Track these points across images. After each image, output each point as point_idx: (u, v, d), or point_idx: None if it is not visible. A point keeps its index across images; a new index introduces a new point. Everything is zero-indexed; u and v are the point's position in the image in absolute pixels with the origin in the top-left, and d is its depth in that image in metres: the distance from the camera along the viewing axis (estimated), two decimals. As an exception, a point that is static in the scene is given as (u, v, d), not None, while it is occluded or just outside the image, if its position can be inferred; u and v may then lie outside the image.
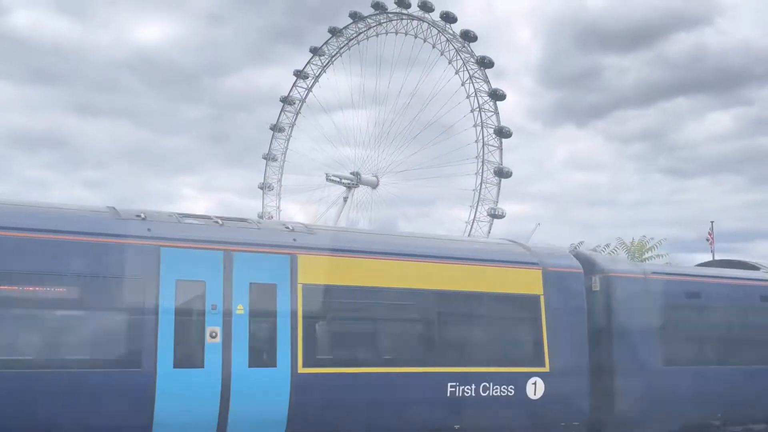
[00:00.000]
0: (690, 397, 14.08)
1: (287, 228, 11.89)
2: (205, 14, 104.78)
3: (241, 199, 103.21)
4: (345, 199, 60.04)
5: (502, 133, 51.20)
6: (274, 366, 10.60)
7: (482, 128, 51.42)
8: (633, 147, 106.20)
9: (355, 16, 62.61)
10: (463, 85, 53.33)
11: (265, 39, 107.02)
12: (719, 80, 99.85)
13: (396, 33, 59.47)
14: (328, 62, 65.98)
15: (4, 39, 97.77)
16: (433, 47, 55.95)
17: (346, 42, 63.98)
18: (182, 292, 10.26)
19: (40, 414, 9.42)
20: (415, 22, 57.87)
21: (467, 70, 53.14)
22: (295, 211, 64.14)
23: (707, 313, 14.95)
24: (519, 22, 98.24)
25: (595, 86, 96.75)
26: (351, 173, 60.14)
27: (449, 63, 54.62)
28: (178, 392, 9.93)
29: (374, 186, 60.26)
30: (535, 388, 12.39)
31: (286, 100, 68.40)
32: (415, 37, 57.65)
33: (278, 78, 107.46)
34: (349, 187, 60.06)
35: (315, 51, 66.17)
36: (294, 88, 67.97)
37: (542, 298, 12.75)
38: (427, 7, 56.82)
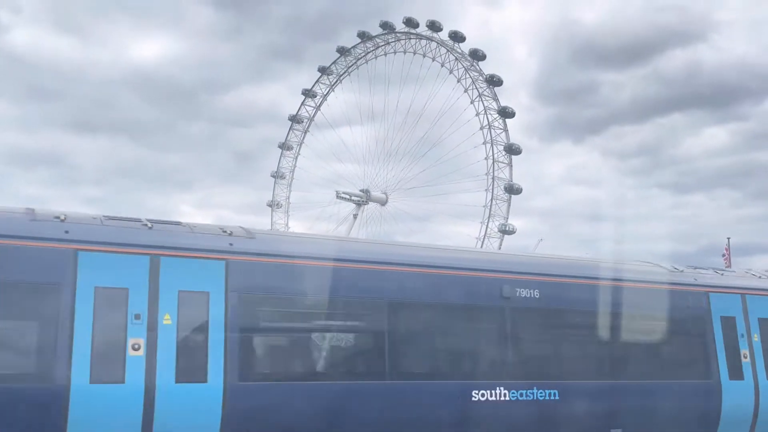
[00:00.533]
0: None
1: (224, 231, 10.99)
2: (203, 32, 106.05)
3: (238, 216, 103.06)
4: (355, 216, 60.61)
5: (512, 150, 51.90)
6: (205, 381, 9.75)
7: (492, 145, 52.12)
8: (630, 162, 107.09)
9: (363, 36, 63.51)
10: (472, 103, 54.14)
11: (264, 57, 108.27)
12: (715, 96, 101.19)
13: (404, 52, 60.35)
14: (336, 81, 66.80)
15: (3, 57, 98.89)
16: (442, 66, 56.81)
17: (354, 61, 64.84)
18: (102, 300, 9.42)
19: None
20: (423, 42, 58.79)
21: (476, 88, 53.92)
22: (304, 228, 64.61)
23: None
24: (515, 38, 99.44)
25: (591, 102, 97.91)
26: (361, 190, 60.76)
27: (458, 81, 55.45)
28: (94, 410, 9.03)
29: (383, 203, 60.85)
30: None
31: (294, 119, 69.12)
32: (424, 56, 58.54)
33: (276, 95, 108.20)
34: (358, 204, 60.64)
35: (323, 70, 67.03)
36: (302, 106, 68.72)
37: None
38: (435, 27, 57.73)
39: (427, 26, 58.09)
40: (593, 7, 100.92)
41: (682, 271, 15.16)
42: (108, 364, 9.21)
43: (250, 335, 10.29)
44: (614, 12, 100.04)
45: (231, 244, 10.63)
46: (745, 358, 14.49)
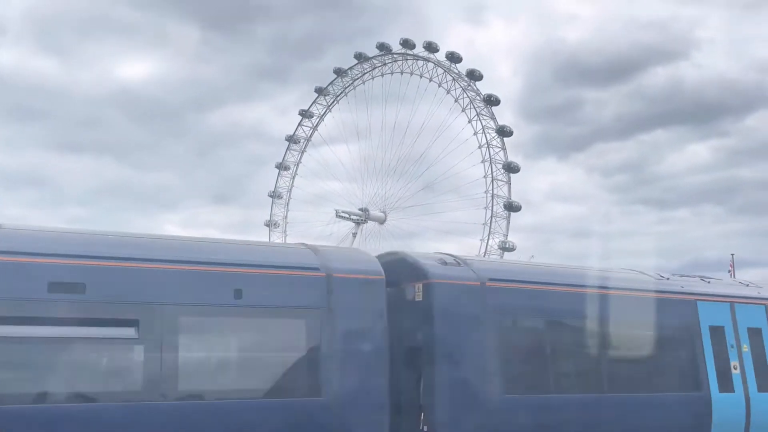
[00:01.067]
0: None
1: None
2: (189, 51, 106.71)
3: (224, 235, 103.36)
4: (354, 235, 61.11)
5: (511, 168, 52.78)
6: None
7: (491, 164, 52.96)
8: (614, 179, 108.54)
9: (360, 57, 64.40)
10: (470, 122, 55.04)
11: (250, 76, 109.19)
12: (696, 113, 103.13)
13: (401, 73, 61.27)
14: (333, 102, 67.57)
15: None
16: (439, 86, 57.75)
17: (351, 82, 65.68)
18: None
19: None
20: (420, 63, 59.75)
21: (474, 107, 54.84)
22: (303, 248, 64.89)
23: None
24: (500, 57, 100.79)
25: (575, 119, 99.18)
26: (360, 209, 61.36)
27: (455, 101, 56.40)
28: None
29: (382, 222, 61.47)
30: None
31: (291, 139, 69.76)
32: (421, 77, 59.49)
33: (263, 115, 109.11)
34: (357, 223, 61.21)
35: (320, 91, 67.82)
36: (299, 127, 69.42)
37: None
38: (432, 48, 58.70)
39: (423, 47, 59.12)
40: (576, 25, 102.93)
41: (668, 278, 14.60)
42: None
43: None
44: (597, 30, 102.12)
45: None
46: (735, 369, 13.98)
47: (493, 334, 11.33)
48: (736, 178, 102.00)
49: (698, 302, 14.01)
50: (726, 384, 13.82)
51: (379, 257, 11.71)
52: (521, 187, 53.77)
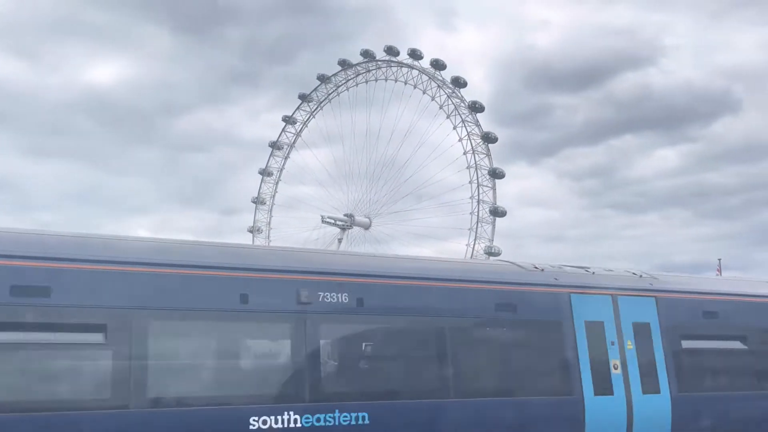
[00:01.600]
0: None
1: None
2: (159, 55, 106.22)
3: (197, 240, 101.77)
4: (339, 240, 61.61)
5: (496, 174, 53.68)
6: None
7: (476, 169, 53.79)
8: (584, 183, 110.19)
9: (344, 64, 64.90)
10: (455, 128, 55.92)
11: (221, 80, 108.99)
12: (665, 118, 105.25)
13: (386, 80, 61.92)
14: (317, 108, 67.96)
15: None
16: (424, 93, 58.51)
17: (335, 88, 66.15)
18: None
19: None
20: (404, 69, 60.47)
21: (459, 114, 55.67)
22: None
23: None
24: (471, 62, 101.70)
25: (545, 124, 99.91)
26: (345, 215, 61.86)
27: (440, 108, 57.24)
28: None
29: (367, 227, 62.03)
30: None
31: (274, 145, 70.01)
32: (405, 84, 60.21)
33: (234, 119, 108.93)
34: (343, 229, 61.68)
35: (303, 97, 68.21)
36: (283, 133, 69.70)
37: None
38: (416, 55, 59.42)
39: (408, 54, 59.79)
40: (547, 31, 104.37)
41: (542, 270, 13.22)
42: None
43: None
44: (567, 36, 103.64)
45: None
46: (616, 369, 12.50)
47: None
48: (704, 183, 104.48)
49: (572, 295, 12.60)
50: (603, 386, 12.38)
51: None
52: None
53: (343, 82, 65.49)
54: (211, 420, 9.06)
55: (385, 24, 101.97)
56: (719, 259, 53.02)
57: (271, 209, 70.31)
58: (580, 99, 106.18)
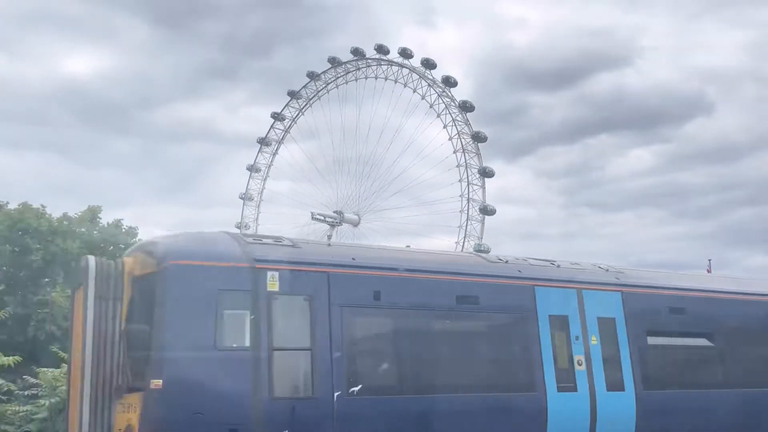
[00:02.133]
0: None
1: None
2: (137, 47, 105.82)
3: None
4: (329, 237, 61.89)
5: (486, 173, 54.42)
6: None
7: (466, 168, 54.45)
8: (560, 182, 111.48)
9: (334, 62, 65.19)
10: (445, 127, 56.55)
11: (198, 74, 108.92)
12: (640, 118, 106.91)
13: (375, 78, 62.32)
14: (306, 105, 68.23)
15: None
16: (414, 92, 59.04)
17: (324, 86, 66.46)
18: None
19: None
20: (395, 68, 60.90)
21: (450, 113, 56.29)
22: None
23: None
24: (450, 59, 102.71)
25: (522, 123, 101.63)
26: (334, 212, 62.23)
27: (430, 107, 57.81)
28: None
29: (356, 224, 62.44)
30: None
31: (263, 142, 70.16)
32: (395, 82, 60.65)
33: (211, 113, 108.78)
34: (332, 226, 62.02)
35: (292, 94, 68.41)
36: (271, 129, 69.86)
37: None
38: (406, 54, 59.87)
39: (398, 53, 60.25)
40: (524, 30, 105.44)
41: (506, 262, 13.08)
42: None
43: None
44: (545, 36, 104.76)
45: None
46: (580, 365, 12.28)
47: None
48: (677, 183, 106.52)
49: (536, 288, 12.42)
50: (567, 382, 12.19)
51: None
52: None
53: (333, 79, 65.84)
54: None
55: (365, 20, 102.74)
56: (709, 260, 53.35)
57: (258, 205, 70.51)
58: (556, 98, 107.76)
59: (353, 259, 11.42)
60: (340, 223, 62.29)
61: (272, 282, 10.13)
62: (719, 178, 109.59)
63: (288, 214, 66.31)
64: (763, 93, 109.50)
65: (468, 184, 54.23)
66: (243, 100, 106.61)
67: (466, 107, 56.12)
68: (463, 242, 53.72)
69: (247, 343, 9.63)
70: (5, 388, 19.67)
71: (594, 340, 12.61)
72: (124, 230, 31.10)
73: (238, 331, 9.69)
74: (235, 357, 9.54)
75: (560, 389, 12.05)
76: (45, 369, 18.55)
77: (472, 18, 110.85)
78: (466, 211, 54.01)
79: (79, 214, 30.36)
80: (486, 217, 54.66)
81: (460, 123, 56.02)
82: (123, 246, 28.61)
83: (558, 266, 13.60)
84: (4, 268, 27.70)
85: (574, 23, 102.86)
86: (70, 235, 28.53)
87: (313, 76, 66.69)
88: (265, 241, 11.36)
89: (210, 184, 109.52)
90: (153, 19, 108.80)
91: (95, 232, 31.80)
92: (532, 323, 12.22)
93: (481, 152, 55.23)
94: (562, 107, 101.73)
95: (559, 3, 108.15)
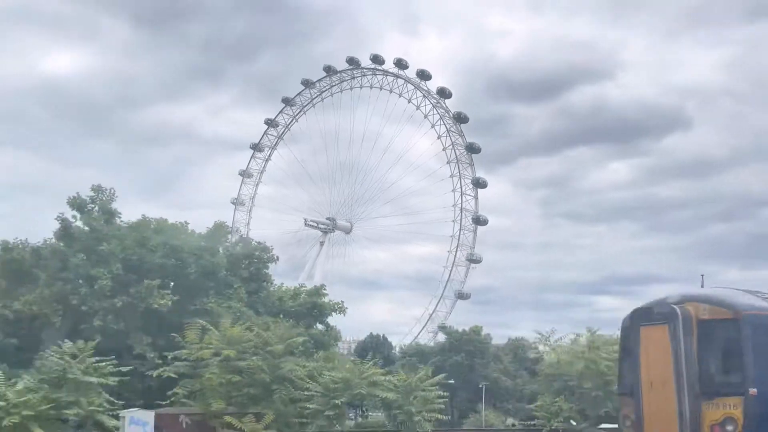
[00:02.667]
0: None
1: None
2: (119, 47, 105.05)
3: None
4: (321, 243, 62.68)
5: (479, 183, 55.35)
6: None
7: (460, 179, 55.38)
8: (538, 192, 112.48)
9: (329, 70, 65.95)
10: (439, 138, 57.41)
11: (181, 75, 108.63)
12: (619, 132, 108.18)
13: (370, 87, 63.09)
14: (300, 112, 68.85)
15: None
16: (409, 102, 59.88)
17: (318, 93, 67.13)
18: None
19: None
20: (390, 78, 61.74)
21: (444, 124, 57.22)
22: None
23: None
24: (434, 68, 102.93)
25: (503, 133, 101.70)
26: (327, 218, 62.93)
27: (425, 117, 58.67)
28: None
29: (348, 231, 63.17)
30: None
31: (256, 147, 70.67)
32: (390, 92, 61.42)
33: (193, 114, 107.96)
34: (325, 232, 62.71)
35: (287, 101, 69.02)
36: (265, 135, 70.39)
37: None
38: (402, 65, 60.75)
39: (394, 64, 61.07)
40: (507, 42, 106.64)
41: None
42: None
43: None
44: (527, 48, 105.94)
45: None
46: None
47: None
48: (654, 197, 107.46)
49: None
50: None
51: None
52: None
53: (327, 87, 66.54)
54: None
55: (350, 26, 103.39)
56: (702, 275, 52.19)
57: (250, 210, 70.96)
58: (537, 109, 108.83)
59: None
60: (332, 230, 63.03)
61: None
62: (695, 193, 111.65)
63: (279, 219, 67.00)
64: (738, 109, 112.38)
65: (461, 194, 55.10)
66: (225, 103, 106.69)
67: (460, 118, 57.07)
68: (456, 251, 54.58)
69: None
70: None
71: None
72: (261, 247, 34.06)
73: None
74: None
75: None
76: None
77: (456, 27, 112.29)
78: (458, 221, 54.82)
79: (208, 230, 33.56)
80: (478, 227, 55.54)
81: (454, 134, 56.93)
82: (263, 260, 32.87)
83: None
84: (167, 280, 30.15)
85: (556, 36, 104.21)
86: (208, 250, 31.42)
87: (308, 84, 67.33)
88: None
89: (190, 186, 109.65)
90: (136, 19, 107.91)
91: (238, 247, 35.32)
92: None
93: (473, 162, 56.19)
94: (543, 118, 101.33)
95: (542, 16, 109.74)
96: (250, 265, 32.78)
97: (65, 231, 30.31)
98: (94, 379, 19.12)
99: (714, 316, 13.82)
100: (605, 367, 24.75)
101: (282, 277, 37.91)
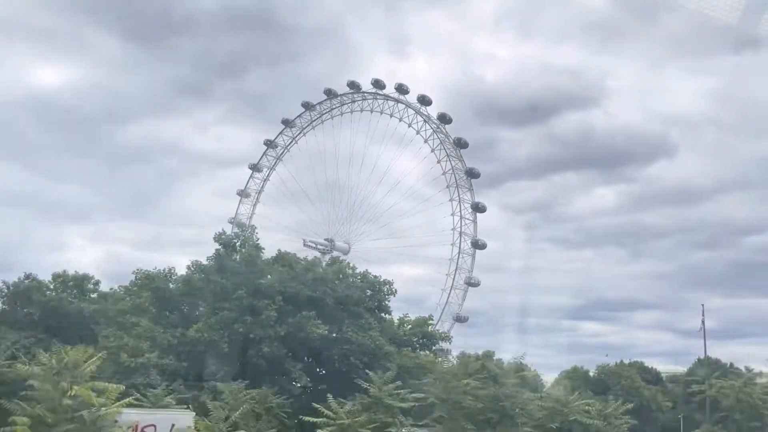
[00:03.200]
0: None
1: None
2: (108, 61, 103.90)
3: (133, 251, 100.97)
4: (323, 263, 63.12)
5: (478, 208, 56.20)
6: None
7: (459, 203, 56.25)
8: (524, 216, 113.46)
9: (330, 93, 66.86)
10: (439, 162, 58.31)
11: (170, 91, 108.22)
12: (605, 158, 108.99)
13: (371, 111, 63.97)
14: (299, 134, 69.59)
15: None
16: (409, 126, 60.85)
17: (318, 116, 67.95)
18: None
19: None
20: (390, 102, 62.71)
21: (444, 149, 58.16)
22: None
23: None
24: (422, 91, 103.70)
25: (490, 157, 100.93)
26: (325, 239, 63.53)
27: (425, 141, 59.64)
28: None
29: (346, 252, 63.70)
30: None
31: (254, 168, 71.28)
32: (391, 116, 62.42)
33: (180, 130, 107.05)
34: (323, 253, 63.20)
35: (287, 123, 69.80)
36: (264, 156, 71.02)
37: None
38: (402, 90, 61.79)
39: (395, 89, 62.07)
40: (495, 66, 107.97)
41: None
42: None
43: None
44: (514, 72, 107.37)
45: None
46: None
47: None
48: (639, 223, 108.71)
49: None
50: None
51: None
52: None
53: (328, 110, 67.40)
54: None
55: (339, 46, 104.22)
56: (702, 305, 50.44)
57: (249, 230, 71.26)
58: (524, 134, 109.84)
59: None
60: (330, 251, 63.59)
61: None
62: (679, 220, 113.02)
63: (277, 238, 67.45)
64: (723, 138, 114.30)
65: (461, 218, 55.93)
66: (213, 119, 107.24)
67: (460, 144, 58.04)
68: (455, 275, 55.29)
69: None
70: None
71: None
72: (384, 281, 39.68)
73: None
74: None
75: None
76: None
77: (445, 50, 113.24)
78: (457, 245, 55.60)
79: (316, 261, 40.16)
80: (477, 251, 56.32)
81: (454, 158, 57.88)
82: (385, 292, 37.87)
83: None
84: (313, 310, 34.85)
85: (543, 62, 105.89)
86: (342, 282, 36.66)
87: (308, 106, 68.16)
88: None
89: (175, 202, 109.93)
90: (125, 34, 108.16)
91: (359, 281, 39.27)
92: None
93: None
94: (530, 143, 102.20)
95: (530, 41, 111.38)
96: (374, 296, 37.27)
97: (220, 265, 35.04)
98: (403, 405, 23.06)
99: None
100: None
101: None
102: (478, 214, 56.76)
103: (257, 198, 71.58)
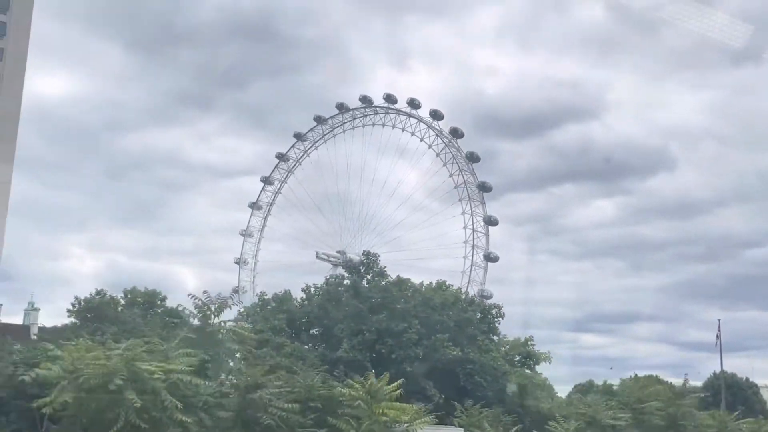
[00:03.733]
0: None
1: None
2: (110, 72, 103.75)
3: (131, 261, 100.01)
4: (332, 276, 63.68)
5: (490, 221, 56.90)
6: None
7: (472, 216, 56.98)
8: (524, 228, 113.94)
9: (342, 107, 67.66)
10: (451, 176, 59.13)
11: (170, 101, 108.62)
12: (604, 170, 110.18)
13: (383, 125, 64.77)
14: (311, 147, 70.34)
15: None
16: (421, 140, 61.66)
17: (330, 130, 68.74)
18: None
19: None
20: (402, 117, 63.53)
21: (456, 163, 58.94)
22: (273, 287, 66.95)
23: None
24: (423, 101, 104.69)
25: (490, 168, 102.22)
26: (338, 252, 64.14)
27: (437, 156, 60.46)
28: None
29: (357, 265, 64.31)
30: None
31: (266, 180, 71.94)
32: (403, 131, 63.17)
33: (180, 140, 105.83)
34: (335, 265, 63.78)
35: (299, 136, 70.55)
36: (276, 169, 71.73)
37: None
38: (414, 105, 62.60)
39: (407, 103, 62.87)
40: (495, 78, 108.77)
41: None
42: None
43: None
44: (514, 85, 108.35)
45: None
46: None
47: None
48: (638, 235, 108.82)
49: None
50: None
51: None
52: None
53: (340, 124, 68.18)
54: None
55: (341, 58, 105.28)
56: (719, 320, 50.22)
57: (258, 242, 71.99)
58: (524, 146, 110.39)
59: None
60: (342, 263, 64.15)
61: None
62: (678, 233, 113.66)
63: (290, 252, 68.21)
64: (722, 152, 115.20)
65: (473, 231, 56.63)
66: (214, 129, 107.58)
67: (472, 158, 58.81)
68: (467, 287, 55.89)
69: None
70: None
71: None
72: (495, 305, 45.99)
73: None
74: None
75: None
76: None
77: (445, 63, 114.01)
78: (470, 257, 56.29)
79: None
80: (489, 263, 56.99)
81: (466, 172, 58.66)
82: (494, 315, 43.50)
83: None
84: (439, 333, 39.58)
85: (543, 75, 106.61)
86: (458, 305, 42.36)
87: (320, 120, 68.89)
88: None
89: (175, 212, 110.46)
90: (127, 44, 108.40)
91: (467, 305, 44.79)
92: None
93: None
94: (529, 155, 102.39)
95: (530, 54, 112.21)
96: (483, 319, 41.51)
97: (356, 291, 40.63)
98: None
99: None
100: None
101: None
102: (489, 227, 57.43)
103: (268, 210, 72.24)
